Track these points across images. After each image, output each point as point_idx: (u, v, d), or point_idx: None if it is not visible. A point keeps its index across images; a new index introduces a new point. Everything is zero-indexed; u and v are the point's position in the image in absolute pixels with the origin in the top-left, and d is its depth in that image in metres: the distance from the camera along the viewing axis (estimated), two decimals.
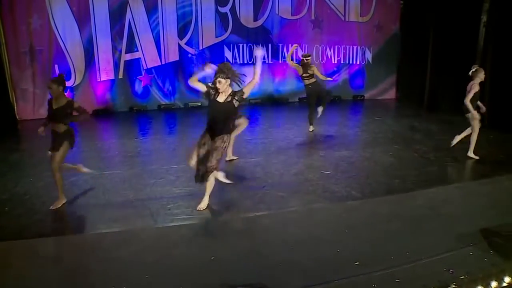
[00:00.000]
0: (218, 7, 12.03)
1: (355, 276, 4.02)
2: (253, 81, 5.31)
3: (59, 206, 5.59)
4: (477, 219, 5.17)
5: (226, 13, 12.13)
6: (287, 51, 12.85)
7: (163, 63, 11.82)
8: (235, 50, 12.44)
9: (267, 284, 3.81)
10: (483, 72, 7.19)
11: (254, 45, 12.50)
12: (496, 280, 3.94)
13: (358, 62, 13.54)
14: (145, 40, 11.55)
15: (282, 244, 4.63)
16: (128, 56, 11.52)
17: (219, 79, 5.12)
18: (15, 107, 10.49)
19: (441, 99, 11.32)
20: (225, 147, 5.34)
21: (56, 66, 10.83)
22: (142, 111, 11.73)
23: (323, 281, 3.92)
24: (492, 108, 9.39)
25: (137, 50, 11.57)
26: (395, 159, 7.57)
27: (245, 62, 12.59)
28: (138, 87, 11.82)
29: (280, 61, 12.89)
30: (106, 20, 11.08)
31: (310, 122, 9.40)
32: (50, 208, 5.52)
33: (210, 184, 5.40)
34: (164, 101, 12.05)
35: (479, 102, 7.27)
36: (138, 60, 11.63)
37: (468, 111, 7.16)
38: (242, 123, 7.35)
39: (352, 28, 13.28)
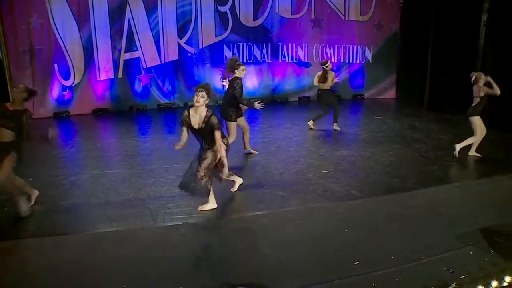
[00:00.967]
0: (218, 6, 12.01)
1: (355, 276, 4.02)
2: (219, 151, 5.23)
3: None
4: (477, 219, 5.17)
5: (226, 12, 12.12)
6: (287, 50, 12.88)
7: (163, 62, 11.80)
8: (235, 49, 12.42)
9: (266, 283, 3.80)
10: (483, 75, 7.20)
11: (254, 44, 12.57)
12: (496, 280, 3.93)
13: (358, 61, 13.54)
14: (144, 40, 11.53)
15: (281, 244, 4.62)
16: (127, 55, 11.51)
17: (198, 94, 5.10)
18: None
19: (441, 98, 11.31)
20: (216, 158, 5.28)
21: (55, 65, 10.82)
22: (142, 111, 11.72)
23: (323, 281, 3.91)
24: (491, 108, 9.40)
25: (137, 50, 11.55)
26: (395, 159, 7.56)
27: (245, 61, 12.56)
28: (138, 87, 11.80)
29: (280, 60, 12.89)
30: (105, 19, 11.06)
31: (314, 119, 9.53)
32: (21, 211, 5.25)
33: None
34: (163, 101, 12.04)
35: None
36: (137, 59, 11.61)
37: (472, 113, 7.20)
38: (244, 126, 7.44)
39: (352, 27, 13.28)
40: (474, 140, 7.42)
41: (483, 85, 7.16)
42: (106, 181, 6.48)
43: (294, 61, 13.02)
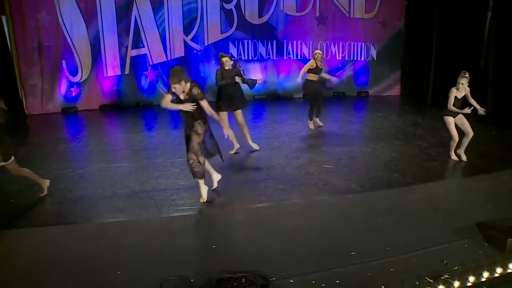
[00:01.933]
0: (223, 3, 12.17)
1: (351, 265, 4.15)
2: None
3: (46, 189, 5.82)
4: (474, 213, 5.21)
5: (231, 9, 12.27)
6: (292, 47, 12.99)
7: (169, 59, 11.97)
8: (240, 46, 12.58)
9: (266, 271, 3.94)
10: (462, 78, 7.11)
11: (259, 42, 12.69)
12: (488, 271, 4.04)
13: (362, 59, 13.65)
14: (151, 36, 11.71)
15: (282, 234, 4.75)
16: (134, 52, 11.69)
17: (172, 85, 5.23)
18: (24, 102, 10.68)
19: (445, 95, 11.28)
20: (200, 137, 5.41)
21: (63, 61, 11.04)
22: (148, 106, 11.89)
23: (320, 269, 4.05)
24: (495, 105, 9.48)
25: (143, 46, 11.73)
26: (396, 154, 7.66)
27: (250, 58, 12.74)
28: (144, 83, 11.99)
29: (284, 57, 13.02)
30: (112, 17, 11.25)
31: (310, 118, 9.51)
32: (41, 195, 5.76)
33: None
34: None
35: (473, 104, 7.22)
36: (144, 56, 11.79)
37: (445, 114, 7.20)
38: (240, 120, 7.59)
39: (357, 24, 13.36)
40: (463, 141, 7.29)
41: (455, 88, 7.11)
42: (112, 174, 6.66)
43: (299, 58, 13.13)
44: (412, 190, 6.12)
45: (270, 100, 12.80)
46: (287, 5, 12.71)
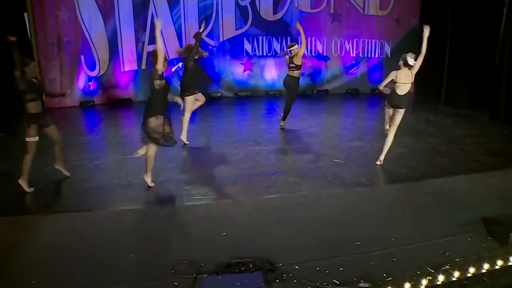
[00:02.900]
0: (238, 0, 12.30)
1: (355, 254, 4.31)
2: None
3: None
4: (480, 209, 5.29)
5: (246, 6, 12.39)
6: (306, 44, 13.03)
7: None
8: (255, 42, 12.71)
9: (272, 258, 4.12)
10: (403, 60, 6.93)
11: (274, 38, 12.82)
12: (488, 263, 4.14)
13: (376, 56, 13.64)
14: (167, 32, 11.89)
15: (289, 225, 4.93)
16: (151, 48, 11.87)
17: None
18: (43, 96, 10.97)
19: (458, 93, 11.37)
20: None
21: (82, 56, 11.30)
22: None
23: (324, 257, 4.21)
24: (508, 102, 9.45)
25: None
26: (406, 150, 7.74)
27: (264, 54, 12.87)
28: None
29: None
30: (129, 13, 11.47)
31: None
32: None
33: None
34: None
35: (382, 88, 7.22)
36: None
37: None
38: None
39: (371, 21, 13.36)
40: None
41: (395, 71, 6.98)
42: (128, 165, 6.90)
43: (313, 54, 13.21)
44: (419, 184, 6.22)
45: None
46: (302, 2, 12.78)
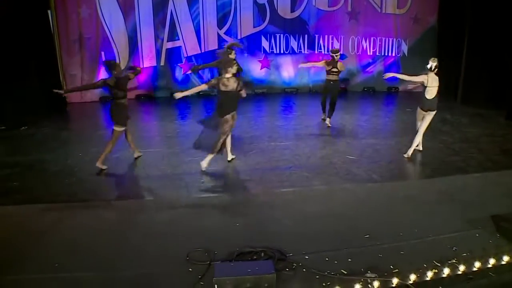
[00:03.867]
0: None
1: (364, 247, 4.44)
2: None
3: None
4: (491, 206, 5.35)
5: (264, 4, 12.55)
6: (323, 42, 13.16)
7: (203, 51, 12.39)
8: (272, 40, 12.86)
9: (283, 248, 4.29)
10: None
11: (291, 36, 12.94)
12: (494, 258, 4.22)
13: (393, 54, 13.65)
14: (186, 29, 12.14)
15: (301, 217, 5.09)
16: (169, 44, 12.16)
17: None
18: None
19: (475, 92, 11.32)
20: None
21: (102, 53, 11.60)
22: (182, 97, 12.29)
23: (334, 248, 4.36)
24: None
25: (178, 39, 12.19)
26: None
27: (281, 52, 13.01)
28: (179, 74, 12.45)
29: (316, 52, 13.20)
30: (149, 10, 11.73)
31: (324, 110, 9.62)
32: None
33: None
34: None
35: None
36: (179, 48, 12.26)
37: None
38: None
39: (389, 20, 13.38)
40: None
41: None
42: (147, 158, 7.13)
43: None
44: (431, 181, 6.31)
45: (301, 94, 13.05)
46: (319, 0, 12.87)
